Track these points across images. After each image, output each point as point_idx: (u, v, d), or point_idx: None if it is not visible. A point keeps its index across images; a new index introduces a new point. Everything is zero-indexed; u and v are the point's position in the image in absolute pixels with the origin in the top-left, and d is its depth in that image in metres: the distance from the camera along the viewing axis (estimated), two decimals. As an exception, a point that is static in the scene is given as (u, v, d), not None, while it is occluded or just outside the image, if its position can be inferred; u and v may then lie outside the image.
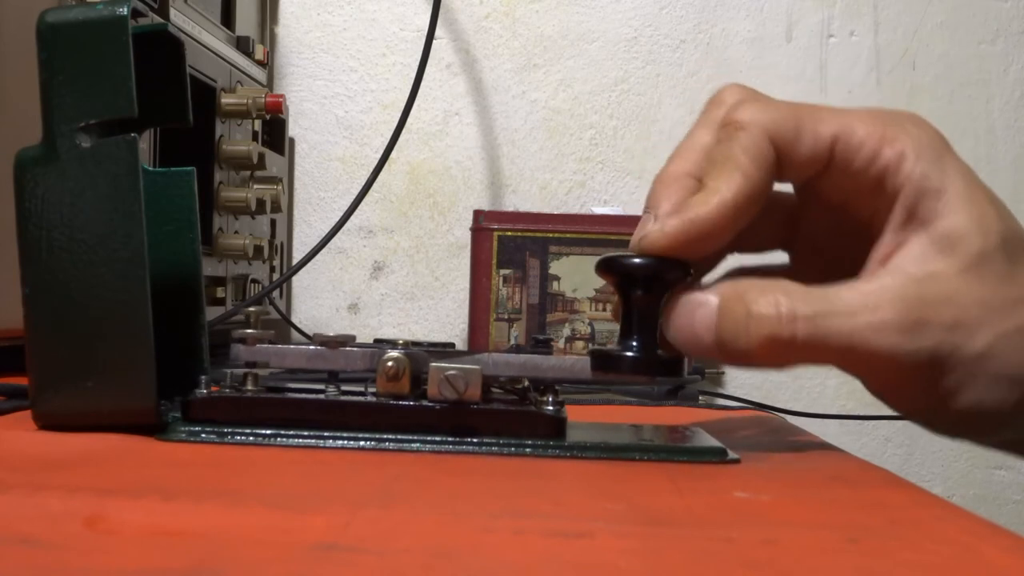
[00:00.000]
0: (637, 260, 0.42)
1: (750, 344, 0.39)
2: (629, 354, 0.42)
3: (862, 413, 1.11)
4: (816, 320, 0.39)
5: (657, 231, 0.41)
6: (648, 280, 0.41)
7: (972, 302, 0.39)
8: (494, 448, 0.41)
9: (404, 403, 0.42)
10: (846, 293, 0.40)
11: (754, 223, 0.42)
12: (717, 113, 0.44)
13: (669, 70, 1.15)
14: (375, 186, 0.92)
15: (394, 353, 0.42)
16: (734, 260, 0.47)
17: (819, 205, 0.45)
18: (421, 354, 0.42)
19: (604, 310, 0.92)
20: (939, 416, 0.42)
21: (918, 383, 0.40)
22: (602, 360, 0.42)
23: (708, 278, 0.45)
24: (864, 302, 0.39)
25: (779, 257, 0.49)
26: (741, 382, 1.14)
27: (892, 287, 0.39)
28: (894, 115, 0.42)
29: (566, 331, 0.92)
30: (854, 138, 0.41)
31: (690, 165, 0.43)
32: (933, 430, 0.44)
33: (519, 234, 0.93)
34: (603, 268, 0.43)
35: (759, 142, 0.41)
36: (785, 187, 0.45)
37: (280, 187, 0.92)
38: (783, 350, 0.39)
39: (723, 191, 0.40)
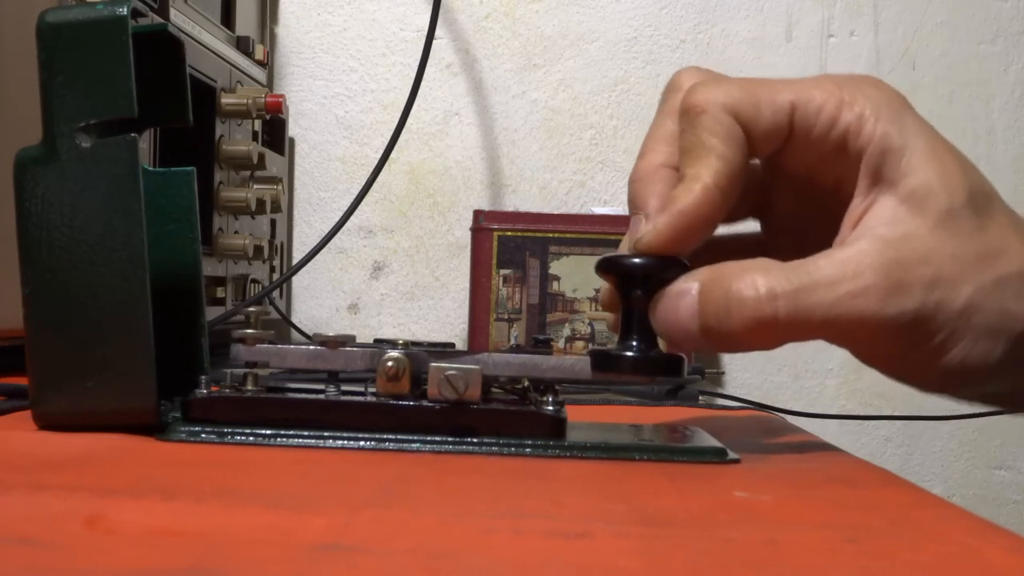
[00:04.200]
0: (636, 260, 0.42)
1: (733, 328, 0.39)
2: (629, 354, 0.42)
3: (862, 413, 1.11)
4: (796, 295, 0.39)
5: (650, 231, 0.41)
6: (647, 280, 0.42)
7: (947, 258, 0.39)
8: (494, 448, 0.41)
9: (404, 403, 0.42)
10: (823, 263, 0.40)
11: None
12: (676, 99, 0.44)
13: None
14: (375, 186, 0.92)
15: (394, 353, 0.42)
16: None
17: (787, 178, 0.45)
18: (421, 354, 0.42)
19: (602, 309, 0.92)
20: (927, 375, 0.42)
21: (905, 345, 0.40)
22: (602, 360, 0.42)
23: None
24: (843, 271, 0.39)
25: (753, 227, 0.49)
26: (741, 382, 1.14)
27: (868, 252, 0.40)
28: (851, 79, 0.43)
29: (566, 331, 0.92)
30: (812, 104, 0.41)
31: (663, 156, 0.43)
32: (921, 389, 0.44)
33: (519, 234, 0.93)
34: (603, 268, 0.43)
35: (724, 121, 0.41)
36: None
37: (280, 187, 0.92)
38: (768, 330, 0.39)
39: (703, 177, 0.41)
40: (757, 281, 0.39)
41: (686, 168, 0.41)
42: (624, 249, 0.43)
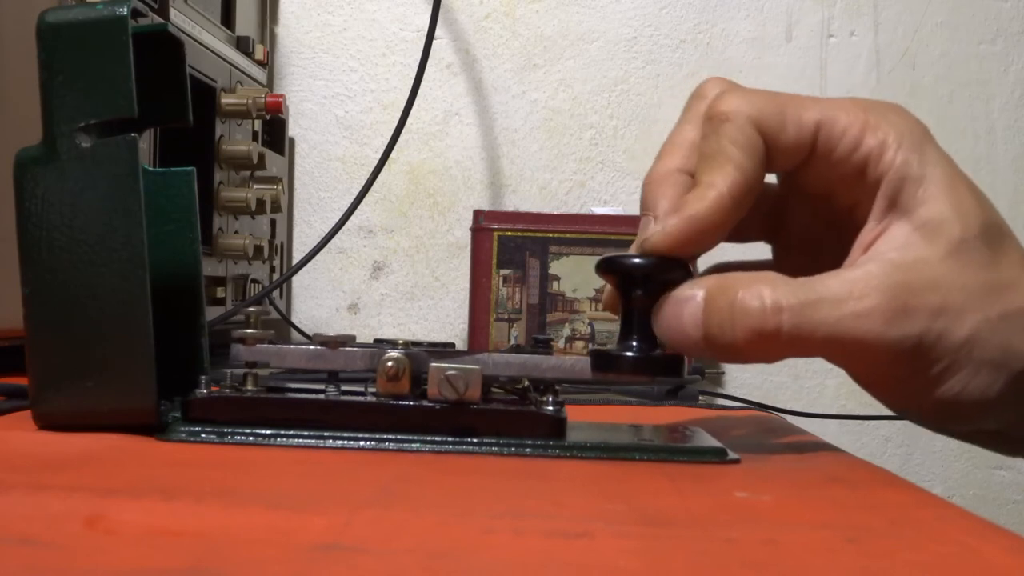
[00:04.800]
0: (637, 260, 0.42)
1: (736, 338, 0.39)
2: (629, 354, 0.42)
3: (862, 413, 1.11)
4: (801, 310, 0.39)
5: (659, 232, 0.41)
6: (648, 280, 0.42)
7: (956, 288, 0.39)
8: (494, 448, 0.41)
9: (404, 403, 0.42)
10: (831, 282, 0.40)
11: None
12: (700, 107, 0.44)
13: (669, 70, 1.15)
14: (375, 186, 0.92)
15: (394, 353, 0.42)
16: (717, 256, 0.47)
17: (803, 196, 0.45)
18: (421, 354, 0.42)
19: (604, 310, 0.92)
20: (924, 406, 0.42)
21: (904, 371, 0.40)
22: (602, 360, 0.42)
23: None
24: (850, 290, 0.39)
25: (762, 253, 0.49)
26: (741, 382, 1.14)
27: (877, 274, 0.40)
28: (876, 104, 0.43)
29: (566, 331, 0.92)
30: (837, 126, 0.42)
31: (679, 161, 0.43)
32: (917, 420, 0.44)
33: (519, 234, 0.92)
34: (603, 268, 0.43)
35: (747, 132, 0.41)
36: (768, 178, 0.45)
37: (280, 187, 0.92)
38: (770, 343, 0.39)
39: (719, 185, 0.41)
40: (763, 292, 0.39)
41: (702, 175, 0.41)
42: (633, 251, 0.43)
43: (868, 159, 0.41)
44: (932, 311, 0.39)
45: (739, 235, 0.47)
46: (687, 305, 0.40)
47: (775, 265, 0.48)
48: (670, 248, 0.41)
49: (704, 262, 0.49)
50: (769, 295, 0.39)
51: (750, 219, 0.45)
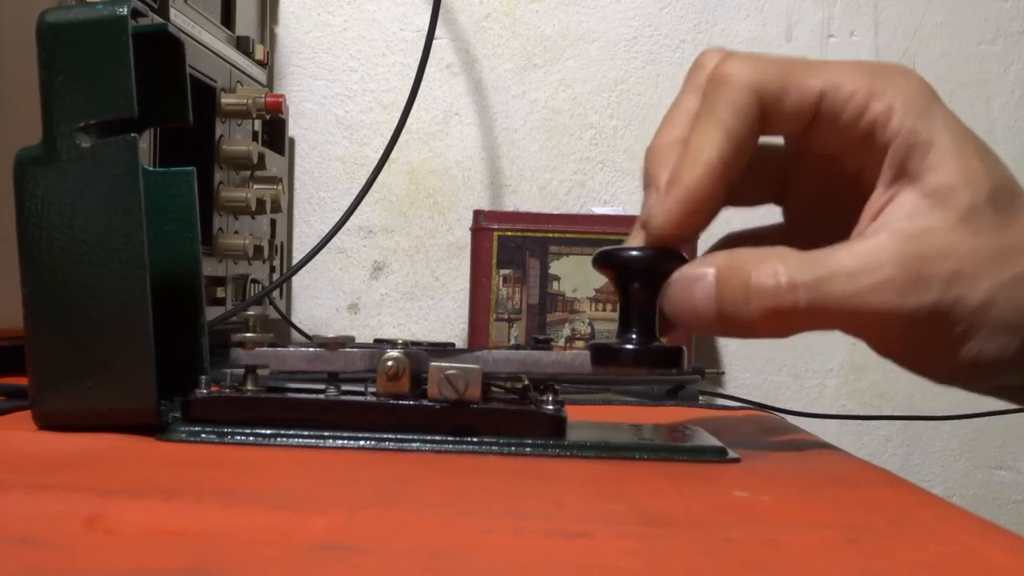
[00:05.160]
0: (633, 252, 0.42)
1: (752, 316, 0.39)
2: (628, 347, 0.42)
3: (862, 413, 1.11)
4: (816, 286, 0.39)
5: (660, 213, 0.41)
6: (645, 272, 0.41)
7: (968, 254, 0.39)
8: (494, 448, 0.41)
9: (404, 403, 0.42)
10: (843, 255, 0.40)
11: (746, 176, 0.42)
12: (700, 77, 0.44)
13: (669, 70, 1.15)
14: (375, 186, 0.92)
15: (394, 353, 0.42)
16: (725, 227, 0.47)
17: (809, 161, 0.45)
18: (421, 354, 0.42)
19: (604, 310, 0.92)
20: (942, 367, 0.42)
21: (921, 338, 0.40)
22: (601, 354, 0.42)
23: (702, 240, 0.45)
24: (863, 263, 0.39)
25: (770, 219, 0.49)
26: (741, 382, 1.14)
27: (888, 244, 0.40)
28: (883, 67, 0.42)
29: (566, 331, 0.92)
30: (841, 92, 0.41)
31: (680, 132, 0.43)
32: (935, 380, 0.44)
33: (519, 234, 0.92)
34: (600, 262, 0.43)
35: (741, 95, 0.41)
36: (776, 139, 0.45)
37: (280, 187, 0.92)
38: (786, 319, 0.39)
39: (707, 150, 0.41)
40: (777, 270, 0.39)
41: (692, 137, 0.41)
42: (638, 225, 0.43)
43: (875, 125, 0.41)
44: (945, 279, 0.39)
45: (748, 199, 0.47)
46: (699, 284, 0.40)
47: (785, 227, 0.48)
48: (675, 226, 0.41)
49: (711, 235, 0.49)
50: (784, 272, 0.39)
51: (758, 182, 0.44)
